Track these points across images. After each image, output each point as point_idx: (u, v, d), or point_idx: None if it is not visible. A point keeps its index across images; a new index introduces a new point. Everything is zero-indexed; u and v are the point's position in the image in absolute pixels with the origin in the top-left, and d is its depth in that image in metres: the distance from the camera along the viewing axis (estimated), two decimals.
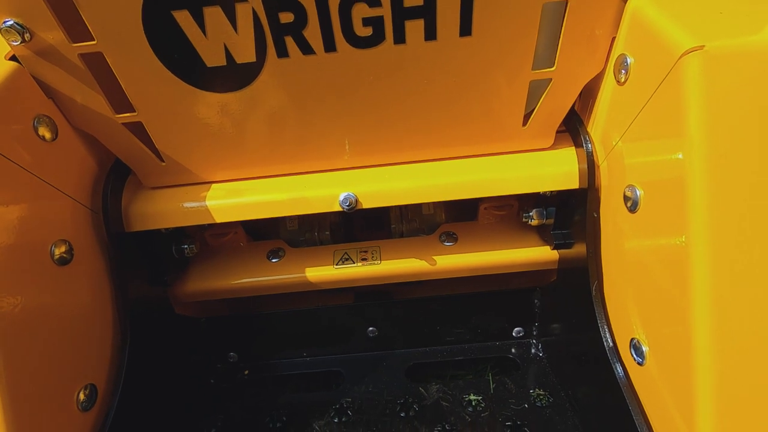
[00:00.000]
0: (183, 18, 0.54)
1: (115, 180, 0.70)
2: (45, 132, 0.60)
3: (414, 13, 0.55)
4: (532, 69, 0.62)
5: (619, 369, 0.62)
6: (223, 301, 0.96)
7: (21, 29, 0.54)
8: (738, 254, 0.46)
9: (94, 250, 0.66)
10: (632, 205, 0.57)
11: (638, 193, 0.56)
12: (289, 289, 0.84)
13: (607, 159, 0.65)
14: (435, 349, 0.92)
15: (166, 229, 0.75)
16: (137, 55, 0.57)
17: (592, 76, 0.64)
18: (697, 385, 0.47)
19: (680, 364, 0.50)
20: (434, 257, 0.82)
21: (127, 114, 0.63)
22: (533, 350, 0.91)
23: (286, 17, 0.55)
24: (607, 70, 0.62)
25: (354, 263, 0.82)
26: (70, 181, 0.63)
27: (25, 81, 0.57)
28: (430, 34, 0.57)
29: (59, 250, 0.59)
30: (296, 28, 0.56)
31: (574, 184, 0.68)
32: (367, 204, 0.70)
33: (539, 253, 0.81)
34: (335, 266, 0.82)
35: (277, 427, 0.80)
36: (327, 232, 0.89)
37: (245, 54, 0.58)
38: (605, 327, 0.65)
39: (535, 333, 0.91)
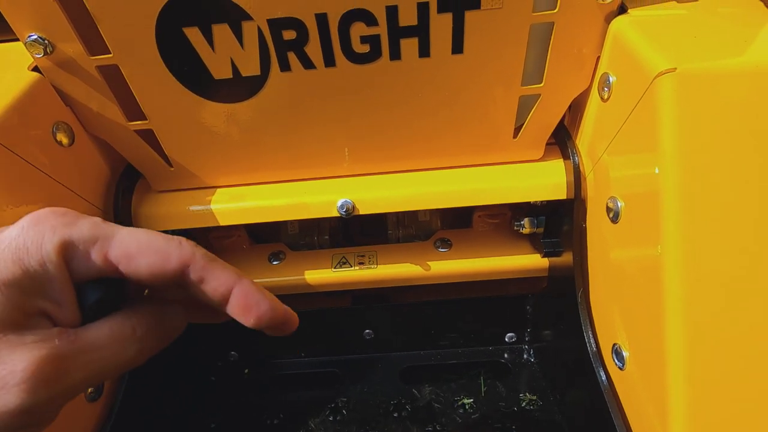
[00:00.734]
0: (193, 34, 0.58)
1: (125, 184, 0.74)
2: (63, 138, 0.64)
3: (408, 32, 0.59)
4: (522, 85, 0.65)
5: (602, 374, 0.64)
6: None
7: (44, 43, 0.58)
8: (708, 264, 0.49)
9: None
10: (614, 215, 0.60)
11: (619, 204, 0.59)
12: (289, 291, 0.87)
13: (593, 171, 0.68)
14: (429, 352, 0.95)
15: (173, 230, 0.79)
16: (150, 68, 0.61)
17: (579, 93, 0.67)
18: (671, 388, 0.50)
19: (657, 368, 0.52)
20: (429, 262, 0.85)
21: (139, 122, 0.67)
22: (525, 355, 0.93)
23: (289, 34, 0.59)
24: (592, 87, 0.66)
25: (351, 267, 0.85)
26: (84, 184, 0.68)
27: (46, 90, 0.62)
28: (424, 51, 0.61)
29: None
30: (298, 45, 0.60)
31: (562, 194, 0.71)
32: (364, 210, 0.73)
33: (530, 261, 0.84)
34: (333, 269, 0.85)
35: (275, 424, 0.83)
36: (326, 237, 0.92)
37: (250, 67, 0.62)
38: (589, 333, 0.67)
39: (527, 339, 0.94)
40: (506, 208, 0.88)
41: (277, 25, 0.58)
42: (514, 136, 0.72)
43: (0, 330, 0.25)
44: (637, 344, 0.58)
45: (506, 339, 0.94)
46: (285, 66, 0.61)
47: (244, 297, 0.32)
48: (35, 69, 0.62)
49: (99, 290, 0.29)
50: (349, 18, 0.58)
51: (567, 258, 0.75)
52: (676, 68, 0.48)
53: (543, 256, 0.82)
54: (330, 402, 0.85)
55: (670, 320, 0.50)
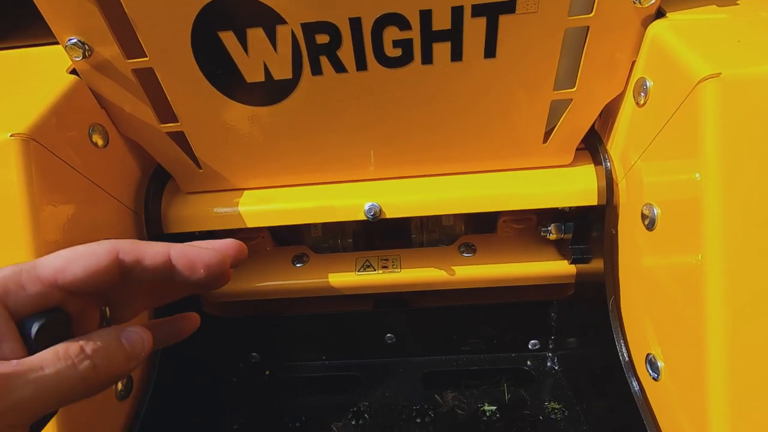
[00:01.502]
0: (228, 38, 0.59)
1: (156, 185, 0.75)
2: (98, 139, 0.65)
3: (442, 36, 0.59)
4: (554, 89, 0.65)
5: (635, 384, 0.63)
6: (245, 302, 1.00)
7: (83, 46, 0.59)
8: (752, 275, 0.47)
9: None
10: (649, 223, 0.59)
11: (656, 211, 0.58)
12: (313, 293, 0.87)
13: (625, 177, 0.67)
14: (451, 357, 0.94)
15: (200, 231, 0.80)
16: (184, 71, 0.62)
17: (612, 98, 0.66)
18: (711, 403, 0.49)
19: (695, 381, 0.51)
20: (453, 267, 0.84)
21: (171, 124, 0.68)
22: (548, 363, 0.92)
23: (322, 38, 0.59)
24: (626, 92, 0.64)
25: (375, 270, 0.85)
26: (117, 184, 0.69)
27: (83, 93, 0.63)
28: (457, 55, 0.61)
29: None
30: (331, 49, 0.60)
31: (592, 200, 0.70)
32: (390, 214, 0.73)
33: (556, 267, 0.82)
34: (357, 272, 0.85)
35: (296, 426, 0.83)
36: (350, 240, 0.92)
37: (282, 71, 0.62)
38: (621, 341, 0.66)
39: (551, 346, 0.92)
40: (532, 214, 0.87)
41: (310, 29, 0.58)
42: (544, 141, 0.71)
43: None
44: (674, 355, 0.56)
45: (529, 346, 0.93)
46: (317, 70, 0.62)
47: (183, 256, 0.33)
48: (73, 72, 0.63)
49: (38, 320, 0.30)
50: (383, 22, 0.58)
51: (596, 265, 0.74)
52: (720, 73, 0.47)
53: (571, 263, 0.81)
54: (352, 406, 0.85)
55: (711, 332, 0.49)
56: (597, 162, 0.71)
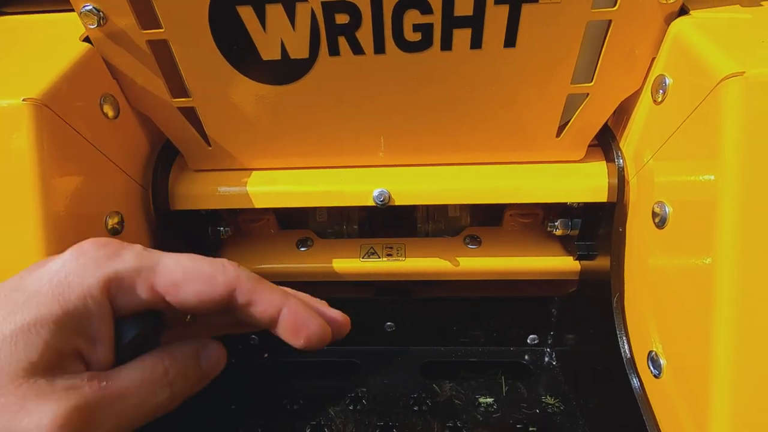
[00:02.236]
0: (246, 13, 0.58)
1: (164, 160, 0.74)
2: (109, 110, 0.64)
3: (463, 22, 0.58)
4: (571, 83, 0.64)
5: (635, 381, 0.63)
6: None
7: (98, 14, 0.58)
8: (762, 278, 0.48)
9: (142, 224, 0.71)
10: (660, 221, 0.59)
11: (667, 210, 0.58)
12: (316, 278, 0.87)
13: (637, 175, 0.67)
14: (450, 348, 0.94)
15: (206, 210, 0.80)
16: (200, 45, 0.61)
17: (629, 94, 0.66)
18: (713, 403, 0.49)
19: (698, 380, 0.51)
20: (457, 258, 0.84)
21: (183, 99, 0.67)
22: (547, 358, 0.92)
23: (342, 18, 0.58)
24: (644, 89, 0.64)
25: (379, 258, 0.85)
26: (125, 157, 0.68)
27: (96, 62, 0.62)
28: (476, 43, 0.60)
29: (113, 221, 0.64)
30: (350, 29, 0.59)
31: (602, 197, 0.70)
32: (399, 201, 0.73)
33: (562, 263, 0.83)
34: (361, 259, 0.85)
35: (294, 409, 0.84)
36: (355, 226, 0.92)
37: (299, 50, 0.61)
38: (624, 338, 0.66)
39: (549, 341, 0.93)
40: (538, 208, 0.87)
41: (330, 7, 0.57)
42: (557, 135, 0.71)
43: (32, 373, 0.24)
44: (677, 353, 0.57)
45: (528, 340, 0.94)
46: (334, 50, 0.61)
47: (293, 317, 0.31)
48: (86, 40, 0.62)
49: (137, 326, 0.28)
50: (404, 5, 0.57)
51: (602, 262, 0.74)
52: (744, 72, 0.47)
53: (575, 259, 0.81)
54: (350, 391, 0.85)
55: (717, 332, 0.49)
56: (609, 159, 0.71)
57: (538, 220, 0.88)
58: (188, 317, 0.34)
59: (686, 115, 0.54)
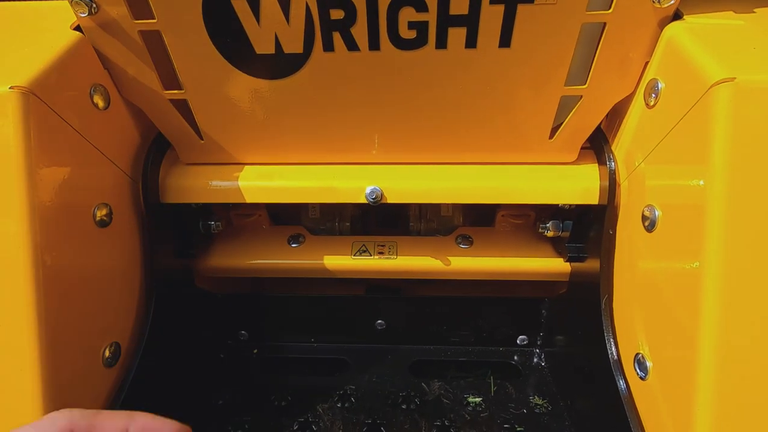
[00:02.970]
0: (240, 6, 0.57)
1: (155, 152, 0.73)
2: (99, 100, 0.63)
3: (458, 21, 0.58)
4: (565, 85, 0.64)
5: (622, 382, 0.63)
6: (238, 279, 0.99)
7: (89, 3, 0.57)
8: (749, 284, 0.48)
9: (131, 216, 0.70)
10: (650, 224, 0.59)
11: (657, 213, 0.58)
12: (307, 275, 0.87)
13: (628, 178, 0.67)
14: (439, 348, 0.94)
15: (197, 204, 0.79)
16: (193, 37, 0.60)
17: (623, 97, 0.66)
18: (697, 405, 0.49)
19: (682, 383, 0.52)
20: (449, 258, 0.84)
21: (175, 91, 0.67)
22: (536, 359, 0.93)
23: (337, 14, 0.58)
24: (637, 92, 0.64)
25: (371, 256, 0.85)
26: (115, 149, 0.67)
27: (87, 51, 0.61)
28: (471, 42, 0.60)
29: (101, 213, 0.63)
30: (345, 25, 0.59)
31: (593, 200, 0.70)
32: (391, 199, 0.73)
33: (552, 264, 0.83)
34: (353, 256, 0.85)
35: (282, 406, 0.83)
36: (347, 223, 0.92)
37: (293, 45, 0.61)
38: (611, 340, 0.66)
39: (539, 342, 0.93)
40: (530, 210, 0.87)
41: (326, 3, 0.57)
42: (550, 137, 0.71)
43: None
44: (663, 356, 0.57)
45: (518, 341, 0.94)
46: (329, 46, 0.61)
47: (144, 428, 0.33)
48: (77, 29, 0.61)
49: None
50: (400, 2, 0.57)
51: (592, 264, 0.74)
52: (735, 78, 0.47)
53: (566, 261, 0.81)
54: (339, 389, 0.85)
55: (703, 336, 0.49)
56: (601, 162, 0.71)
57: (530, 222, 0.88)
58: None
59: (677, 119, 0.55)
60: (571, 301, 0.83)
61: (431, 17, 0.58)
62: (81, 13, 0.58)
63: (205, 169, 0.76)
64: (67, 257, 0.57)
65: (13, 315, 0.52)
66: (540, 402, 0.84)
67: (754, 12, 0.59)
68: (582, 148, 0.73)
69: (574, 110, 0.68)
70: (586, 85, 0.64)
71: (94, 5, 0.58)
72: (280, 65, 0.63)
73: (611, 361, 0.65)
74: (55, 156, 0.56)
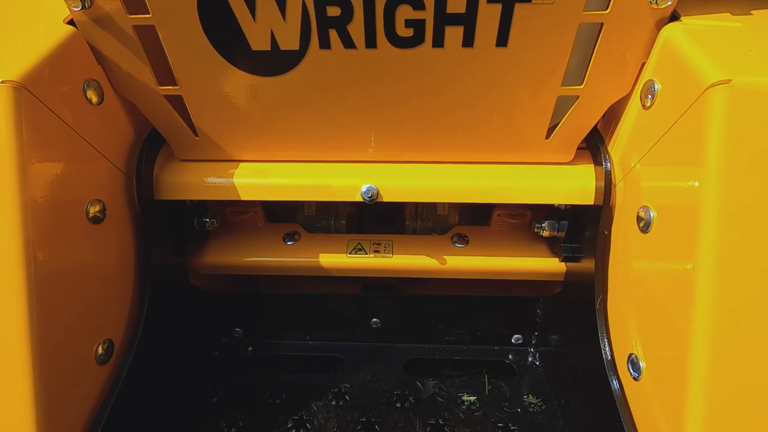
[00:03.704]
0: (236, 2, 0.57)
1: (150, 149, 0.73)
2: (92, 96, 0.63)
3: (455, 19, 0.58)
4: (561, 85, 0.64)
5: (615, 382, 0.64)
6: (232, 277, 0.99)
7: None
8: (742, 285, 0.48)
9: (125, 212, 0.70)
10: (645, 225, 0.59)
11: (652, 214, 0.58)
12: (302, 272, 0.86)
13: (624, 179, 0.67)
14: (434, 346, 0.94)
15: (192, 201, 0.78)
16: (188, 32, 0.60)
17: (619, 98, 0.66)
18: (689, 404, 0.49)
19: (675, 383, 0.52)
20: (445, 256, 0.84)
21: (170, 87, 0.66)
22: (530, 358, 0.93)
23: (333, 11, 0.57)
24: (633, 93, 0.64)
25: (366, 254, 0.85)
26: (109, 145, 0.66)
27: (80, 45, 0.60)
28: (468, 41, 0.60)
29: (94, 209, 0.62)
30: (341, 23, 0.58)
31: (589, 200, 0.71)
32: (387, 197, 0.72)
33: (548, 264, 0.83)
34: (348, 255, 0.85)
35: (276, 403, 0.83)
36: (343, 222, 0.91)
37: (290, 42, 0.60)
38: (605, 340, 0.67)
39: (533, 342, 0.93)
40: (526, 209, 0.87)
41: (323, 0, 0.56)
42: (547, 137, 0.71)
43: None
44: (656, 356, 0.57)
45: (513, 340, 0.94)
46: (325, 43, 0.60)
47: None
48: (70, 22, 0.60)
49: None
50: (397, 0, 0.56)
51: (587, 264, 0.74)
52: (731, 80, 0.47)
53: (561, 261, 0.81)
54: (333, 387, 0.85)
55: (696, 336, 0.49)
56: (597, 162, 0.71)
57: (525, 221, 0.88)
58: None
59: (673, 120, 0.55)
60: (566, 301, 0.83)
61: (428, 15, 0.57)
62: (74, 7, 0.57)
63: (200, 165, 0.76)
64: (60, 254, 0.56)
65: (5, 311, 0.51)
66: (534, 401, 0.84)
67: (750, 14, 0.59)
68: (578, 148, 0.73)
69: (570, 110, 0.68)
70: (583, 86, 0.64)
71: (88, 0, 0.57)
72: (276, 62, 0.62)
73: (605, 361, 0.65)
74: (48, 151, 0.56)
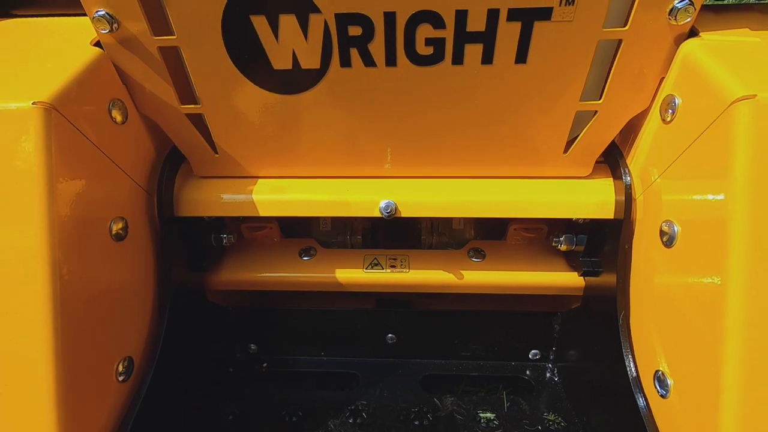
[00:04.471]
0: (260, 23, 0.58)
1: (170, 166, 0.74)
2: (117, 115, 0.64)
3: (475, 37, 0.58)
4: (580, 100, 0.65)
5: (641, 400, 0.63)
6: (247, 293, 0.99)
7: (111, 19, 0.58)
8: None
9: (145, 229, 0.70)
10: (668, 240, 0.59)
11: (676, 229, 0.58)
12: (319, 288, 0.86)
13: (644, 193, 0.67)
14: (450, 362, 0.93)
15: (209, 217, 0.79)
16: (211, 53, 0.61)
17: (638, 113, 0.66)
18: (722, 424, 0.48)
19: (705, 401, 0.51)
20: (461, 271, 0.84)
21: (192, 105, 0.67)
22: (548, 374, 0.91)
23: (355, 30, 0.58)
24: (652, 108, 0.64)
25: (383, 269, 0.84)
26: (132, 162, 0.67)
27: (106, 66, 0.62)
28: (487, 58, 0.60)
29: (117, 226, 0.63)
30: (362, 41, 0.59)
31: (609, 214, 0.70)
32: (405, 213, 0.73)
33: (566, 279, 0.82)
34: (365, 270, 0.84)
35: (293, 421, 0.82)
36: (359, 237, 0.91)
37: (311, 60, 0.61)
38: (630, 357, 0.66)
39: (551, 357, 0.92)
40: (543, 223, 0.87)
41: (344, 19, 0.57)
42: (565, 151, 0.71)
43: None
44: (684, 373, 0.56)
45: (530, 356, 0.93)
46: (346, 62, 0.61)
47: None
48: (97, 44, 0.62)
49: None
50: (418, 19, 0.57)
51: (607, 279, 0.74)
52: (756, 95, 0.47)
53: (581, 275, 0.81)
54: (349, 404, 0.84)
55: (727, 353, 0.48)
56: (616, 176, 0.71)
57: (542, 235, 0.88)
58: None
59: (696, 135, 0.55)
60: (586, 316, 0.82)
61: (448, 34, 0.58)
62: (102, 29, 0.59)
63: (218, 182, 0.76)
64: (84, 272, 0.57)
65: (30, 329, 0.52)
66: (554, 418, 0.83)
67: None
68: (596, 162, 0.73)
69: (588, 125, 0.68)
70: (602, 101, 0.65)
71: (115, 22, 0.59)
72: (297, 80, 0.63)
73: (630, 378, 0.64)
74: (75, 170, 0.56)
